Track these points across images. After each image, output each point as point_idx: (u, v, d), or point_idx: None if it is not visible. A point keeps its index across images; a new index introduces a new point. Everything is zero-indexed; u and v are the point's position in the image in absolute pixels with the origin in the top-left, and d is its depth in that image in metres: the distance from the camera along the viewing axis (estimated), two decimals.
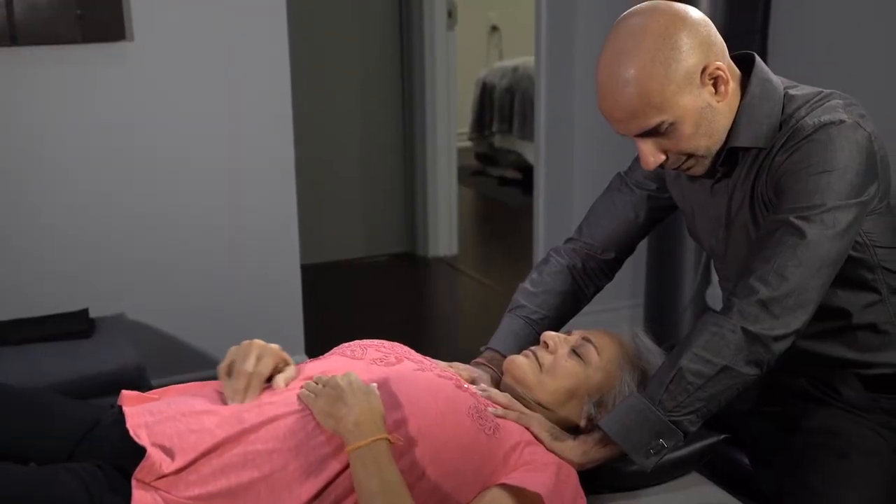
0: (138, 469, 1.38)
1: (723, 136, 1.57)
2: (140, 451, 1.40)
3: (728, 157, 1.60)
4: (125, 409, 1.53)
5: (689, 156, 1.58)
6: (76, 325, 2.81)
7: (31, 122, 2.91)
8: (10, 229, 2.96)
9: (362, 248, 5.14)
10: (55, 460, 1.45)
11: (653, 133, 1.52)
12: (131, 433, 1.44)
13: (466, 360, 1.83)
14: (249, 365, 1.57)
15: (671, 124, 1.51)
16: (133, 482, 1.38)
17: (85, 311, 2.90)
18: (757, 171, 1.59)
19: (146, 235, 3.13)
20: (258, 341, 1.62)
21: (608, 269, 1.96)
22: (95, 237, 3.06)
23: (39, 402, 1.56)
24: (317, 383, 1.51)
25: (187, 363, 3.23)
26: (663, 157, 1.57)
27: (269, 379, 1.60)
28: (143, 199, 3.10)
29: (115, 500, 1.35)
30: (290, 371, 1.62)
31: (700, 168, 1.61)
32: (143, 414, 1.51)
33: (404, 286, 4.87)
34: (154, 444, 1.42)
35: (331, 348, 1.77)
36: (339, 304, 4.42)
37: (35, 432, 1.50)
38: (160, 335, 3.21)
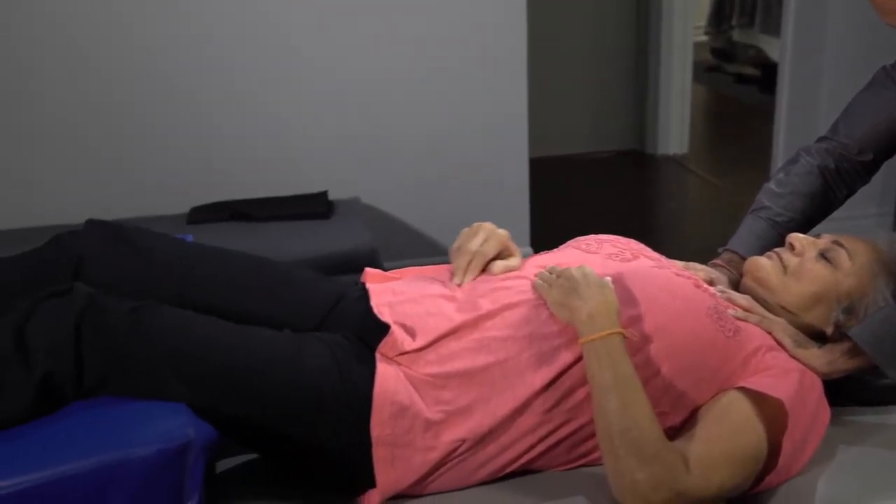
0: (382, 343, 1.43)
1: None
2: (382, 327, 1.45)
3: None
4: (369, 286, 1.59)
5: None
6: (316, 206, 2.95)
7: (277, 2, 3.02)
8: (268, 113, 3.12)
9: (589, 144, 5.07)
10: (305, 329, 1.52)
11: None
12: (375, 311, 1.49)
13: (697, 262, 1.77)
14: (474, 244, 1.58)
15: None
16: (377, 355, 1.43)
17: (324, 194, 3.03)
18: None
19: (382, 126, 3.22)
20: (488, 224, 1.62)
21: (864, 172, 1.83)
22: (337, 125, 3.18)
23: (293, 275, 1.64)
24: (551, 273, 1.50)
25: (416, 249, 3.34)
26: None
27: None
28: (376, 93, 3.18)
29: (360, 370, 1.40)
30: (513, 261, 1.61)
31: None
32: (385, 293, 1.55)
33: (631, 184, 4.78)
34: (396, 323, 1.46)
35: (556, 242, 1.75)
36: (564, 198, 4.40)
37: (290, 301, 1.58)
38: (391, 220, 3.32)
